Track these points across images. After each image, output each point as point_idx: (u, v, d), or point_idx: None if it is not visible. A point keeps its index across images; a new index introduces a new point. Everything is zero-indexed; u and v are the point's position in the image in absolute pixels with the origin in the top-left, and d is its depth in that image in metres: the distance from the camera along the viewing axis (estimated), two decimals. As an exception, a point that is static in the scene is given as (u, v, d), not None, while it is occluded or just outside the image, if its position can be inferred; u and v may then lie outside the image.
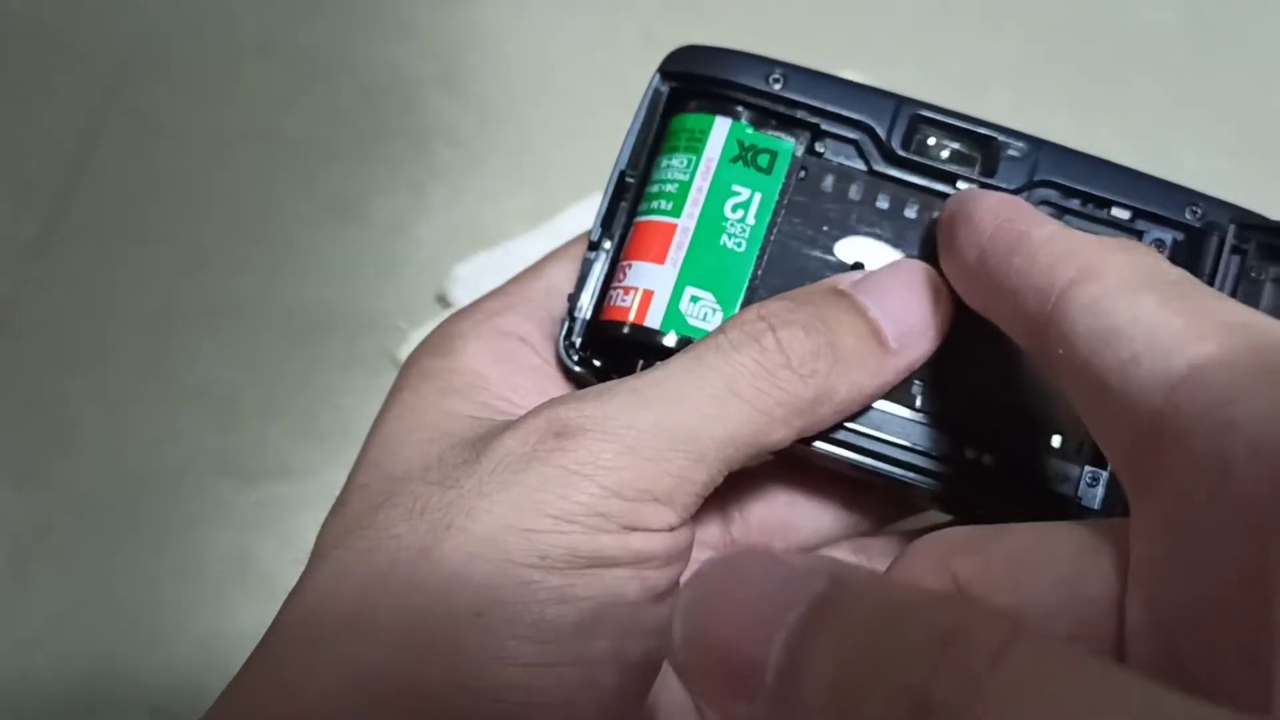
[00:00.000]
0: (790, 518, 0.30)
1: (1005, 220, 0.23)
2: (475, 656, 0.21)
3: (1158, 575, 0.19)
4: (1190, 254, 0.27)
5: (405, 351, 0.39)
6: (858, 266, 0.27)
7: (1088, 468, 0.26)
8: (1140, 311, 0.20)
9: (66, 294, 0.42)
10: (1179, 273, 0.21)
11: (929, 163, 0.27)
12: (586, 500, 0.22)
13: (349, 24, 0.50)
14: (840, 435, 0.26)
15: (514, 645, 0.21)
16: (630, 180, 0.27)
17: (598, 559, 0.22)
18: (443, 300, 0.40)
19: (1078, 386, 0.21)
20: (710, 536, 0.29)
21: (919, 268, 0.26)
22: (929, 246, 0.27)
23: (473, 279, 0.40)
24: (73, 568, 0.36)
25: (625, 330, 0.26)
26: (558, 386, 0.26)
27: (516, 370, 0.26)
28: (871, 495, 0.30)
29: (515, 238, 0.41)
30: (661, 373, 0.23)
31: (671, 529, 0.23)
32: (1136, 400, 0.19)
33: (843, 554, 0.29)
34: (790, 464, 0.30)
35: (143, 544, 0.37)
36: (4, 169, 0.45)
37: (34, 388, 0.40)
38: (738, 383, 0.23)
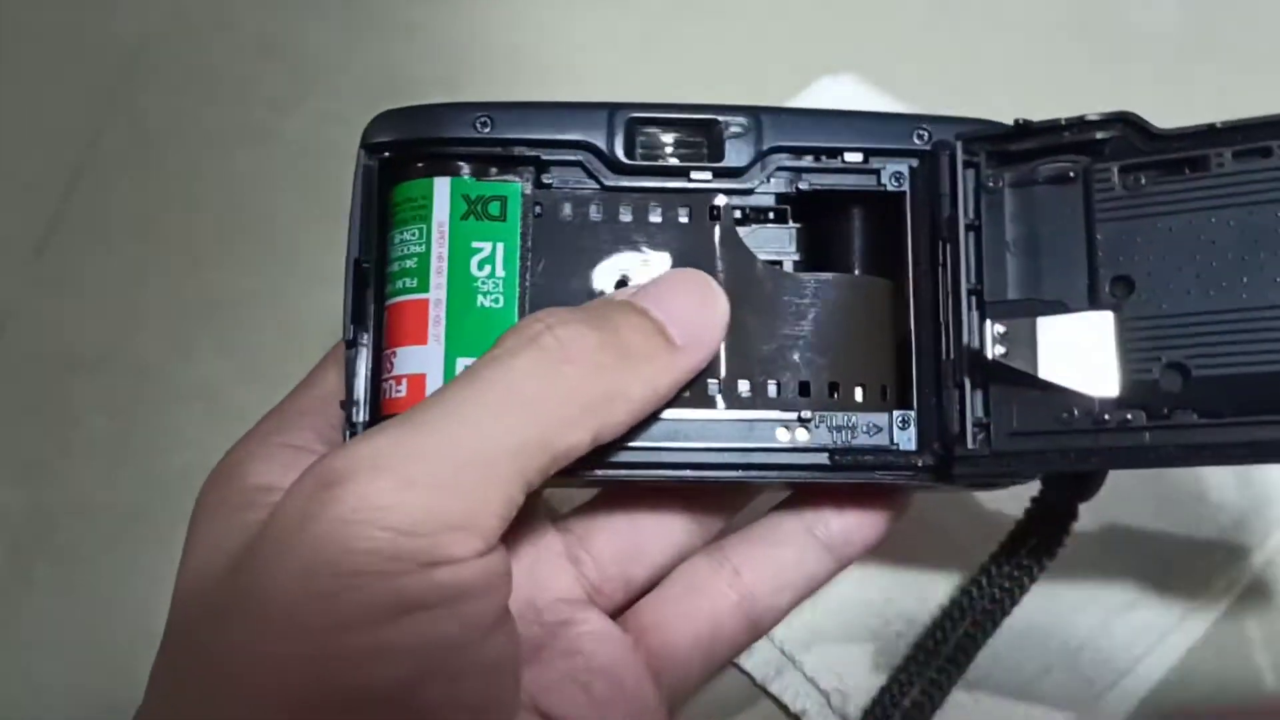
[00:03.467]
0: (638, 542, 0.29)
1: None
2: None
3: None
4: (928, 178, 0.27)
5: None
6: (622, 284, 0.27)
7: (896, 412, 0.27)
8: None
9: (66, 294, 0.42)
10: None
11: (657, 164, 0.27)
12: (372, 547, 0.20)
13: (349, 24, 0.50)
14: (655, 457, 0.26)
15: (335, 715, 0.20)
16: (366, 266, 0.26)
17: (403, 605, 0.20)
18: (443, 300, 0.40)
19: None
20: (564, 586, 0.28)
21: (690, 272, 0.26)
22: (684, 247, 0.27)
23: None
24: (74, 568, 0.36)
25: None
26: None
27: None
28: (709, 497, 0.30)
29: (515, 238, 0.41)
30: (438, 396, 0.22)
31: (480, 555, 0.21)
32: None
33: (701, 564, 0.29)
34: (620, 493, 0.29)
35: (144, 544, 0.37)
36: (4, 169, 0.45)
37: (35, 388, 0.40)
38: (518, 387, 0.22)
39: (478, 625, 0.21)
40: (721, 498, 0.30)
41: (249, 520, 0.23)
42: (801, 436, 0.26)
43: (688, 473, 0.26)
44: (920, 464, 0.26)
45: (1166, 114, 0.46)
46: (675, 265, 0.27)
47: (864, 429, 0.26)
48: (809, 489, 0.29)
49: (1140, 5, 0.49)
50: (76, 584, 0.36)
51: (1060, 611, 0.34)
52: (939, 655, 0.33)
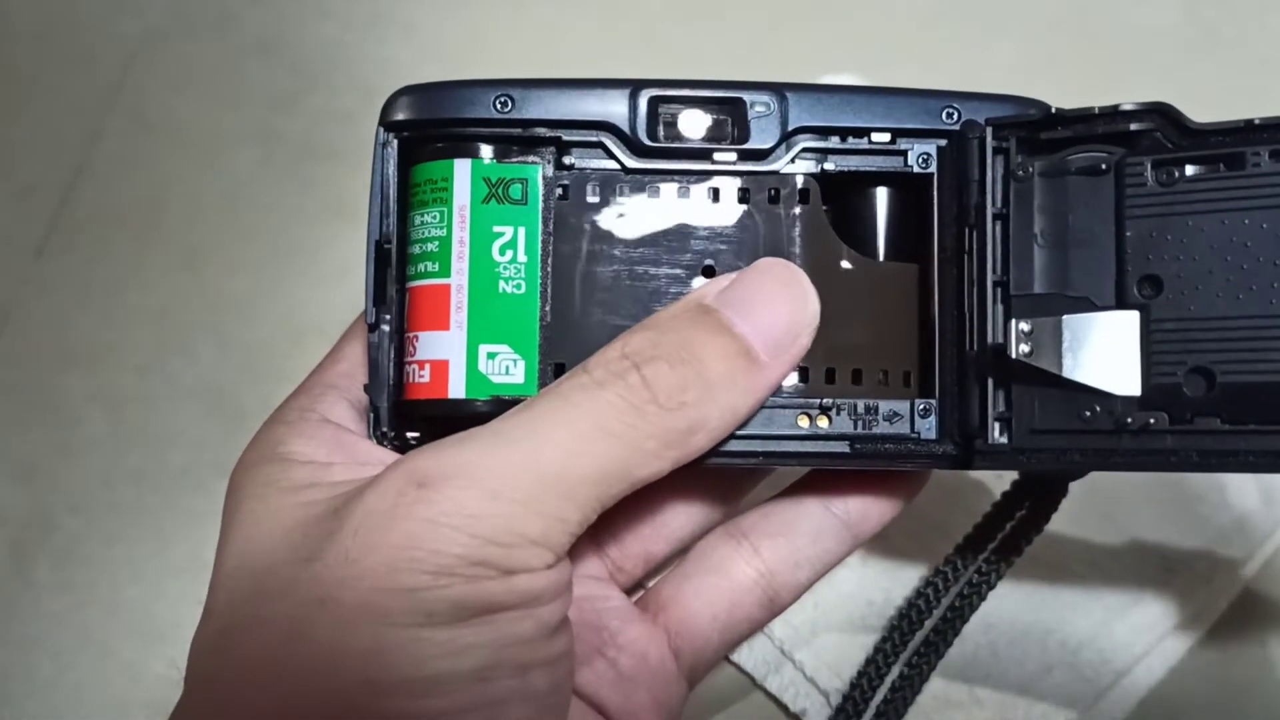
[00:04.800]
0: (658, 518, 0.30)
1: None
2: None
3: None
4: (956, 161, 0.26)
5: (406, 351, 0.39)
6: (709, 272, 0.26)
7: (918, 400, 0.26)
8: None
9: (66, 294, 0.42)
10: None
11: (680, 145, 0.26)
12: (461, 552, 0.21)
13: (349, 24, 0.50)
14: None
15: (411, 703, 0.21)
16: (388, 247, 0.26)
17: (485, 606, 0.21)
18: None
19: None
20: (587, 564, 0.29)
21: (781, 269, 0.25)
22: (721, 230, 0.26)
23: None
24: (74, 567, 0.36)
25: (433, 409, 0.26)
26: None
27: (352, 456, 0.25)
28: (728, 477, 0.30)
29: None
30: (526, 413, 0.23)
31: (550, 566, 0.22)
32: None
33: (720, 541, 0.29)
34: None
35: (144, 543, 0.37)
36: (5, 169, 0.45)
37: (35, 387, 0.40)
38: (606, 419, 0.23)
39: (548, 625, 0.23)
40: (740, 477, 0.30)
41: (306, 499, 0.23)
42: (822, 424, 0.26)
43: (708, 460, 0.25)
44: (940, 452, 0.26)
45: (1166, 114, 0.46)
46: (709, 248, 0.26)
47: (885, 416, 0.26)
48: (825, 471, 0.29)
49: (1140, 5, 0.49)
50: (76, 584, 0.36)
51: (1060, 611, 0.34)
52: (911, 644, 0.33)
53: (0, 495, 0.38)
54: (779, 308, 0.25)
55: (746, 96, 0.26)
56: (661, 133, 0.26)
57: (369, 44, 0.49)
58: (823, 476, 0.29)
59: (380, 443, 0.26)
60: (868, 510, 0.29)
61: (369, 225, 0.26)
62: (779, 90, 0.26)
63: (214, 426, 0.39)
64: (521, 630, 0.22)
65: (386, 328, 0.26)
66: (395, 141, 0.26)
